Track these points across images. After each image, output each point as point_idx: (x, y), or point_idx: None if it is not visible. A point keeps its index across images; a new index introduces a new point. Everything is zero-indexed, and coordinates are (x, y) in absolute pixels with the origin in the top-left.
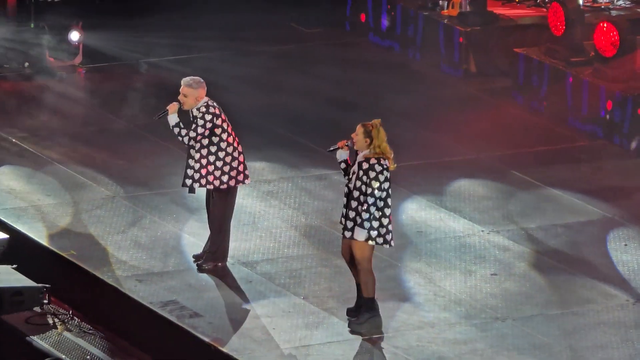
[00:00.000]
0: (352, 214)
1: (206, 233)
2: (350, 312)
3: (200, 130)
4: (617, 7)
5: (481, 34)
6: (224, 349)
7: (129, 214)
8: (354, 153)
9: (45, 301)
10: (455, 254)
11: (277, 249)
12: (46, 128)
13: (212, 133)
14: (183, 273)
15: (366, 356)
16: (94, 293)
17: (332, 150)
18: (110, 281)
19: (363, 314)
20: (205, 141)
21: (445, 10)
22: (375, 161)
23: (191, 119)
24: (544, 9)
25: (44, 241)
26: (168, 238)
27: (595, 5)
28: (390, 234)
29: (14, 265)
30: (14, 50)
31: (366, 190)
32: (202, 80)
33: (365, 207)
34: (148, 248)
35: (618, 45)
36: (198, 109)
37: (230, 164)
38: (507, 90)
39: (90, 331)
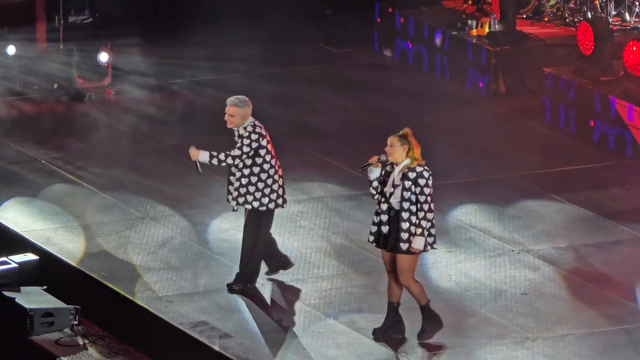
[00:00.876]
0: (405, 226)
1: (235, 254)
2: (376, 333)
3: (245, 149)
4: None
5: (510, 53)
6: None
7: (159, 234)
8: (384, 169)
9: (76, 322)
10: (485, 274)
11: (307, 269)
12: (76, 149)
13: (256, 153)
14: (213, 294)
15: None
16: (124, 314)
17: (364, 167)
18: (140, 302)
19: (425, 323)
20: (249, 161)
21: (474, 30)
22: (422, 168)
23: (236, 137)
24: (573, 28)
25: (73, 262)
26: (198, 259)
27: (625, 24)
28: (434, 237)
29: (44, 287)
30: (43, 71)
31: (418, 199)
32: (247, 99)
33: (422, 215)
34: (178, 269)
35: None
36: (245, 128)
37: (271, 186)
38: (537, 109)
39: (120, 352)
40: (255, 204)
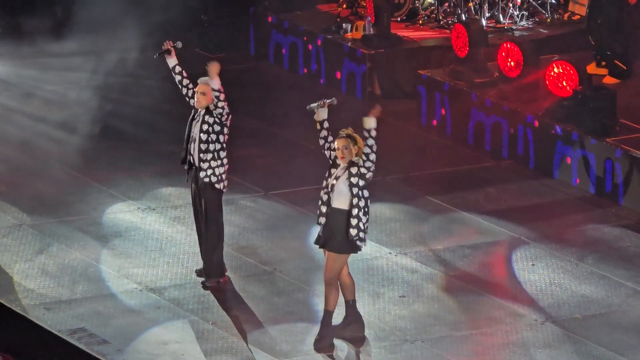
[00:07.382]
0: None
1: (113, 260)
2: (336, 330)
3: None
4: (520, 27)
5: (385, 56)
6: None
7: (36, 242)
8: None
9: None
10: (363, 277)
11: (185, 274)
12: None
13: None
14: (91, 300)
15: None
16: (1, 322)
17: (311, 108)
18: (17, 309)
19: (321, 329)
20: (222, 137)
21: (349, 33)
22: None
23: (207, 117)
24: (448, 31)
25: None
26: (75, 265)
27: (499, 25)
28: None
29: None
30: None
31: (359, 193)
32: None
33: (357, 213)
34: (55, 276)
35: (522, 65)
36: (216, 104)
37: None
38: (412, 112)
39: None
40: (214, 179)
